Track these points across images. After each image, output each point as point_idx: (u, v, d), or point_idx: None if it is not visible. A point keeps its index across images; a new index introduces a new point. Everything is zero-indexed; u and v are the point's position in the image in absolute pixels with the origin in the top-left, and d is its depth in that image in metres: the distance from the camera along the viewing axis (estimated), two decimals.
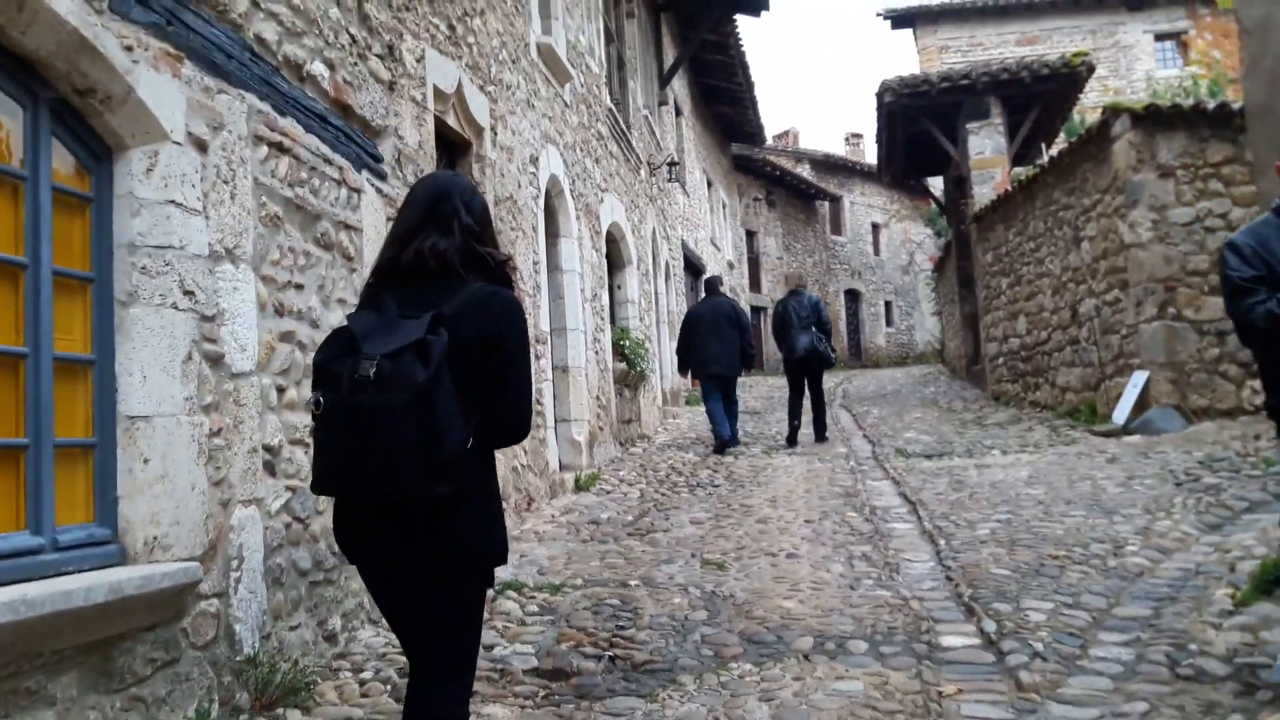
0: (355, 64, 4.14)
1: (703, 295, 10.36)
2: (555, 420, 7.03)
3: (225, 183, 3.08)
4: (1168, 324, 7.69)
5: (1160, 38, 20.15)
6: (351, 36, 4.11)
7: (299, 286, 3.56)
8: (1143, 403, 7.77)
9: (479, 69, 5.64)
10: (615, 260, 9.89)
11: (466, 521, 1.90)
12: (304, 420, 3.48)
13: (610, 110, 9.29)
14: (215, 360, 2.96)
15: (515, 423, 2.01)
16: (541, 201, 6.72)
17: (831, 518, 5.54)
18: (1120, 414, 7.93)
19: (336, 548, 2.36)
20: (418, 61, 4.79)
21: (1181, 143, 7.82)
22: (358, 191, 4.06)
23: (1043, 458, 7.07)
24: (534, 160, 6.60)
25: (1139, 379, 7.83)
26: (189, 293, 2.84)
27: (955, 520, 5.20)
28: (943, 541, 4.76)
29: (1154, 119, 7.82)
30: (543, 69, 7.01)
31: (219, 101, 3.07)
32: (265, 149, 3.38)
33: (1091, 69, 11.93)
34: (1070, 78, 11.93)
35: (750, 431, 10.46)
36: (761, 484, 6.95)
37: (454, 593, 1.96)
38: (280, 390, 3.39)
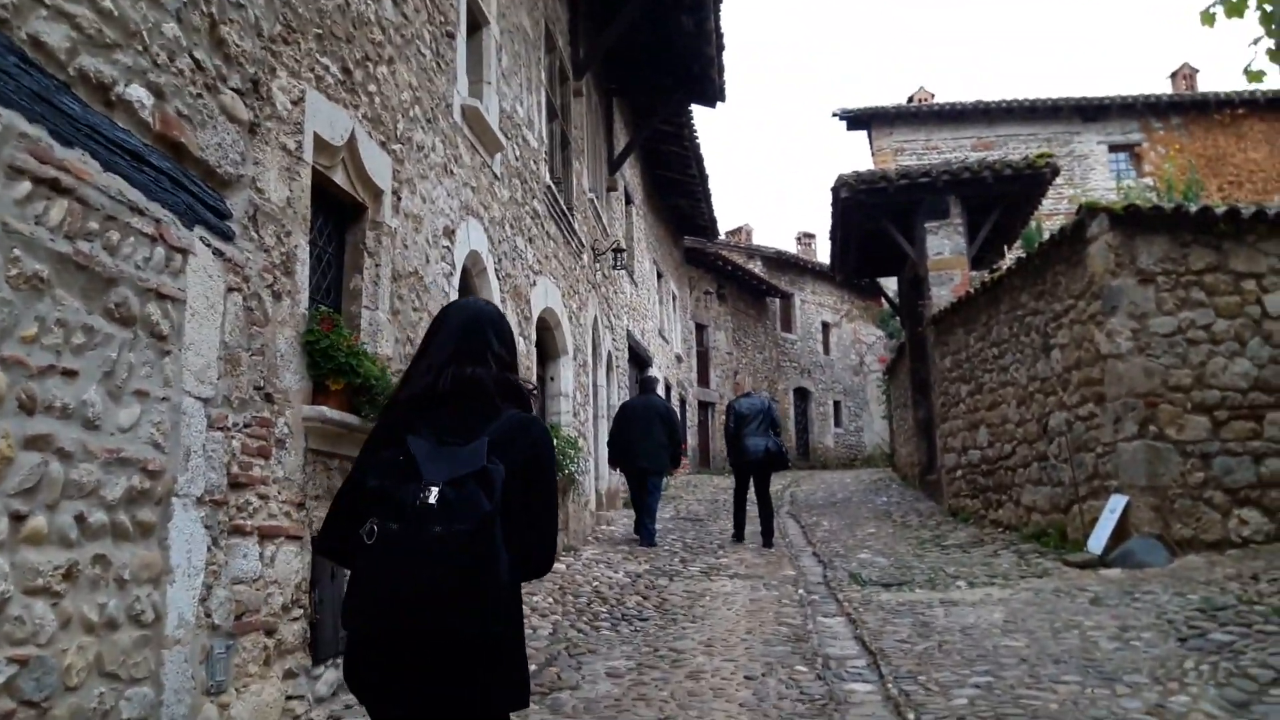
0: (199, 96, 3.28)
1: (638, 392, 10.66)
2: None
3: None
4: (1149, 444, 6.97)
5: (1115, 149, 20.30)
6: (196, 62, 3.27)
7: (69, 373, 2.62)
8: (1121, 530, 7.00)
9: (381, 123, 4.83)
10: (549, 349, 9.04)
11: (511, 658, 1.90)
12: (49, 560, 2.50)
13: (549, 188, 8.55)
14: None
15: (548, 554, 2.01)
16: (456, 279, 5.86)
17: (777, 672, 4.58)
18: (1097, 543, 7.13)
19: None
20: (294, 104, 3.96)
21: (1163, 247, 7.25)
22: (183, 252, 3.15)
23: (1015, 594, 6.21)
24: (449, 233, 5.77)
25: (1117, 504, 7.08)
26: None
27: (925, 682, 4.29)
28: (912, 716, 3.84)
29: (1133, 221, 7.25)
30: (467, 134, 6.24)
31: None
32: (28, 185, 2.49)
33: (1056, 171, 11.55)
34: (1034, 179, 11.52)
35: (689, 543, 9.51)
36: (697, 618, 5.99)
37: None
38: (18, 518, 2.42)
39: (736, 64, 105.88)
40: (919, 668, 4.54)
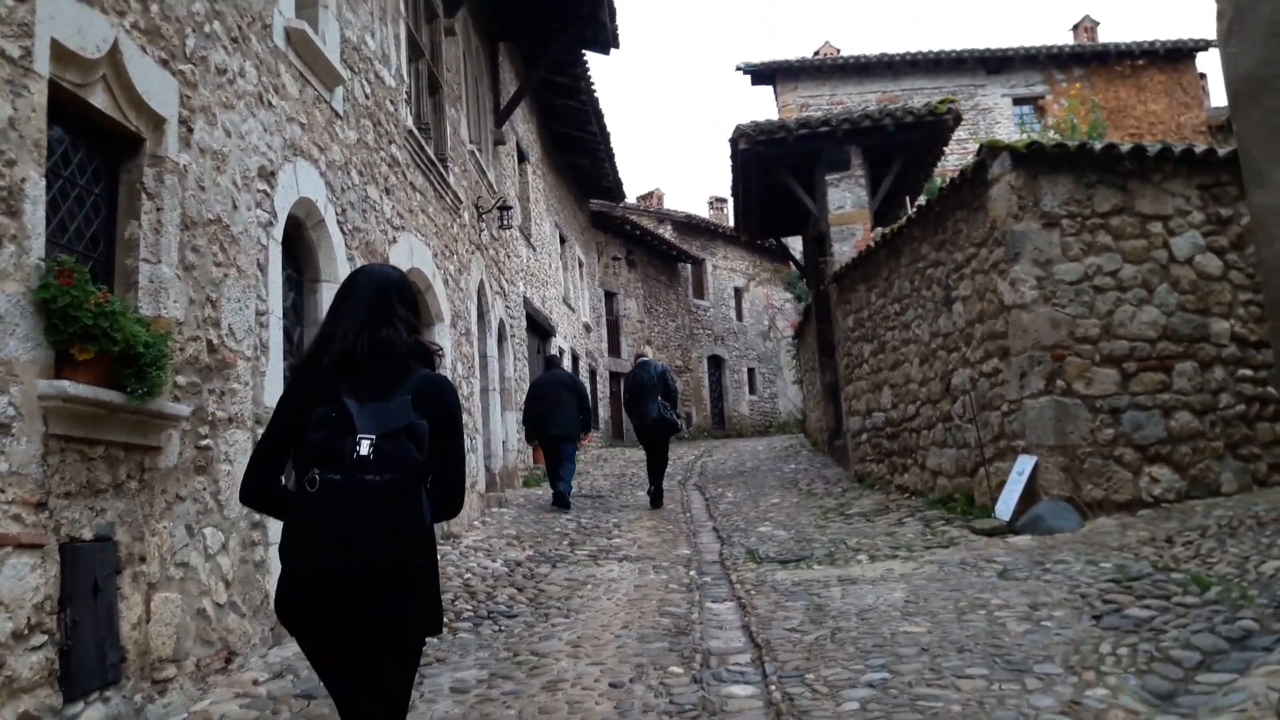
0: None
1: (543, 369, 11.39)
2: None
3: None
4: (1057, 400, 6.55)
5: (1019, 101, 20.18)
6: None
7: None
8: (1030, 493, 6.58)
9: (160, 36, 3.97)
10: (419, 316, 8.22)
11: (428, 591, 2.15)
12: None
13: (411, 133, 7.69)
14: None
15: (459, 498, 2.28)
16: (279, 231, 5.03)
17: (648, 676, 3.95)
18: (1004, 508, 6.71)
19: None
20: (17, 0, 3.09)
21: (1067, 188, 6.79)
22: None
23: (919, 568, 5.71)
24: (267, 175, 4.93)
25: (1025, 465, 6.65)
26: None
27: (813, 682, 3.70)
28: None
29: (1036, 160, 6.77)
30: (293, 60, 5.38)
31: None
32: None
33: (958, 118, 11.11)
34: (936, 126, 11.07)
35: (584, 524, 8.86)
36: (572, 611, 5.33)
37: (406, 658, 2.19)
38: None
39: (635, 17, 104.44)
40: (808, 663, 3.96)
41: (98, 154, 3.79)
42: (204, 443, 4.18)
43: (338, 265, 5.87)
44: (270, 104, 5.02)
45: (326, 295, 5.80)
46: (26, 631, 3.05)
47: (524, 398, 11.01)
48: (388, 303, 2.27)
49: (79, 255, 3.60)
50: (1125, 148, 6.87)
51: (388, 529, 1.99)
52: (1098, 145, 6.88)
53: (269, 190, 4.94)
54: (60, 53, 3.33)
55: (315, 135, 5.67)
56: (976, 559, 5.75)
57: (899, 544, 6.62)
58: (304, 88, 5.56)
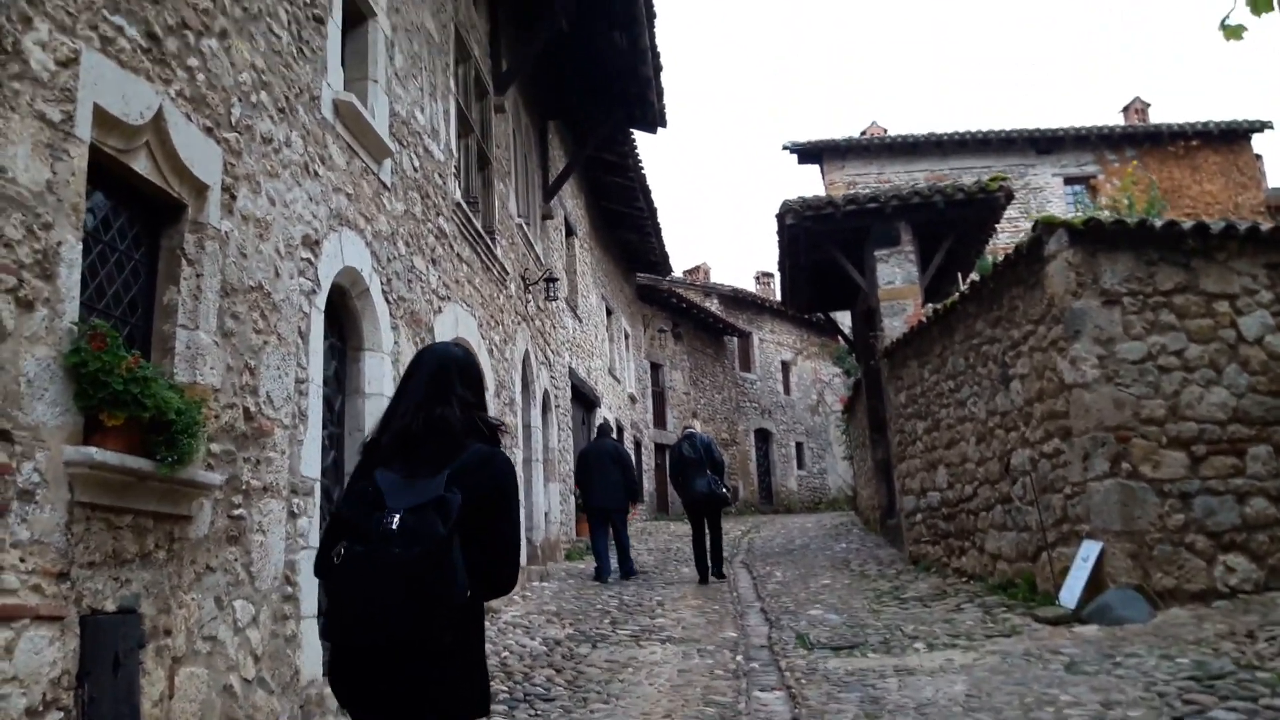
0: None
1: (594, 436, 11.73)
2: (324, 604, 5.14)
3: None
4: (1122, 483, 6.24)
5: (1070, 181, 19.98)
6: None
7: None
8: (1095, 581, 6.23)
9: (206, 105, 3.99)
10: None
11: (463, 669, 2.10)
12: None
13: (460, 206, 7.73)
14: None
15: (508, 575, 2.20)
16: (322, 299, 5.00)
17: None
18: (1069, 595, 6.35)
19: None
20: (61, 65, 3.11)
21: (1128, 265, 6.58)
22: None
23: (980, 659, 5.39)
24: (311, 243, 4.92)
25: (1090, 551, 6.31)
26: None
27: None
28: None
29: (1095, 237, 6.58)
30: (341, 132, 5.42)
31: None
32: None
33: (1010, 195, 10.96)
34: (987, 203, 10.92)
35: (627, 601, 8.61)
36: (613, 697, 5.09)
37: None
38: None
39: (684, 99, 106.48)
40: None
41: (139, 220, 3.78)
42: (237, 512, 4.08)
43: (381, 334, 5.83)
44: (316, 174, 5.04)
45: (369, 364, 5.75)
46: (41, 708, 2.91)
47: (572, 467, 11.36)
48: (448, 380, 2.30)
49: (116, 320, 3.56)
50: (1187, 225, 6.66)
51: (409, 603, 1.96)
52: (1158, 222, 6.68)
53: (313, 259, 4.92)
54: (103, 118, 3.33)
55: (362, 206, 5.68)
56: (1041, 650, 5.41)
57: (958, 632, 6.28)
58: (351, 159, 5.60)
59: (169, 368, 3.71)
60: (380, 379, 5.77)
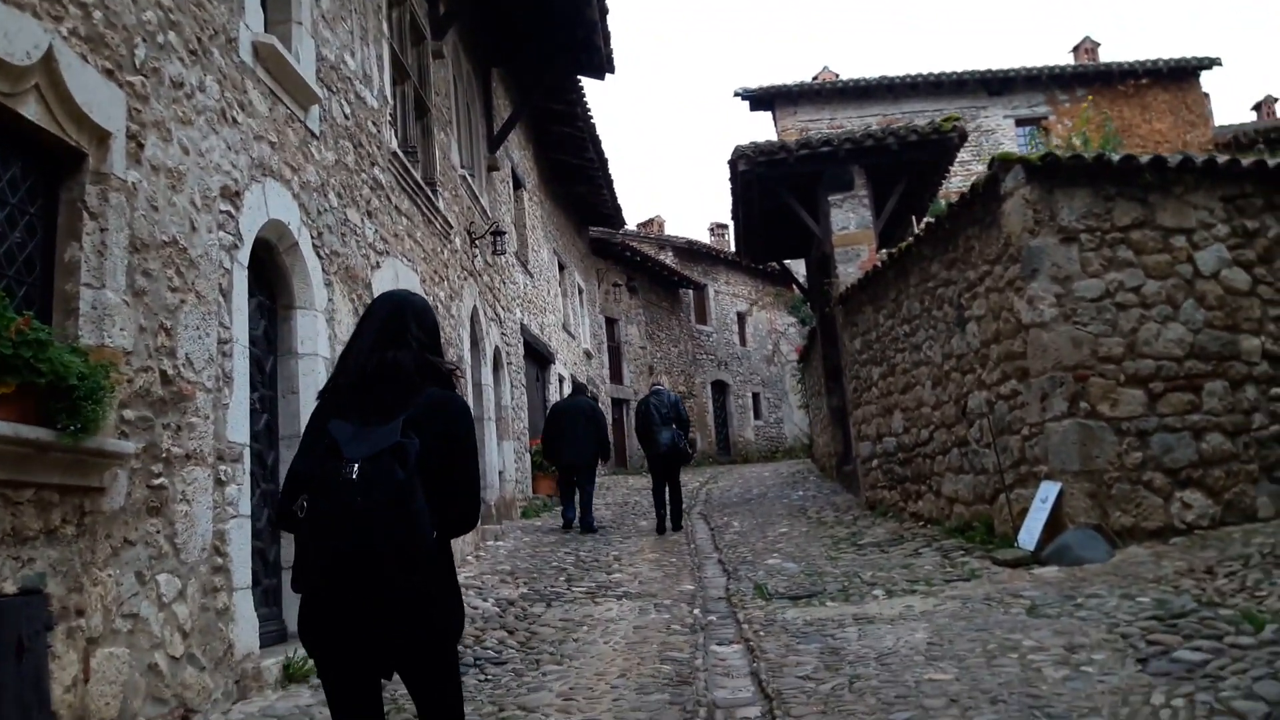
0: None
1: (569, 393, 12.14)
2: (263, 573, 4.91)
3: None
4: (1081, 423, 6.17)
5: (1021, 122, 19.95)
6: None
7: None
8: (1055, 521, 6.19)
9: (105, 45, 3.65)
10: None
11: (435, 606, 2.14)
12: None
13: (397, 155, 7.38)
14: None
15: (470, 514, 2.25)
16: (245, 254, 4.70)
17: None
18: (1028, 537, 6.31)
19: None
20: None
21: (1085, 201, 6.46)
22: None
23: (940, 604, 5.31)
24: (231, 195, 4.60)
25: (1049, 491, 6.26)
26: None
27: None
28: None
29: (1052, 173, 6.45)
30: (262, 77, 5.07)
31: None
32: None
33: (964, 135, 10.81)
34: (941, 144, 10.76)
35: (583, 556, 8.47)
36: (566, 657, 4.94)
37: (437, 669, 2.20)
38: None
39: (632, 45, 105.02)
40: (825, 717, 3.57)
41: (35, 171, 3.47)
42: (157, 482, 3.82)
43: (313, 291, 5.54)
44: (235, 121, 4.71)
45: (301, 322, 5.47)
46: None
47: (543, 423, 11.44)
48: (401, 324, 2.30)
49: (10, 281, 3.27)
50: (1145, 159, 6.55)
51: (378, 552, 1.97)
52: (1115, 157, 6.56)
53: (234, 211, 4.61)
54: None
55: (287, 155, 5.35)
56: (1002, 594, 5.35)
57: (917, 577, 6.22)
58: (274, 105, 5.25)
59: (73, 330, 3.42)
60: (314, 338, 5.48)
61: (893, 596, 5.75)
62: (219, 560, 4.23)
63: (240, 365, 4.54)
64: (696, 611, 5.89)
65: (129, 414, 3.64)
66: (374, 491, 1.98)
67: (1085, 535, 6.02)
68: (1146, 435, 6.22)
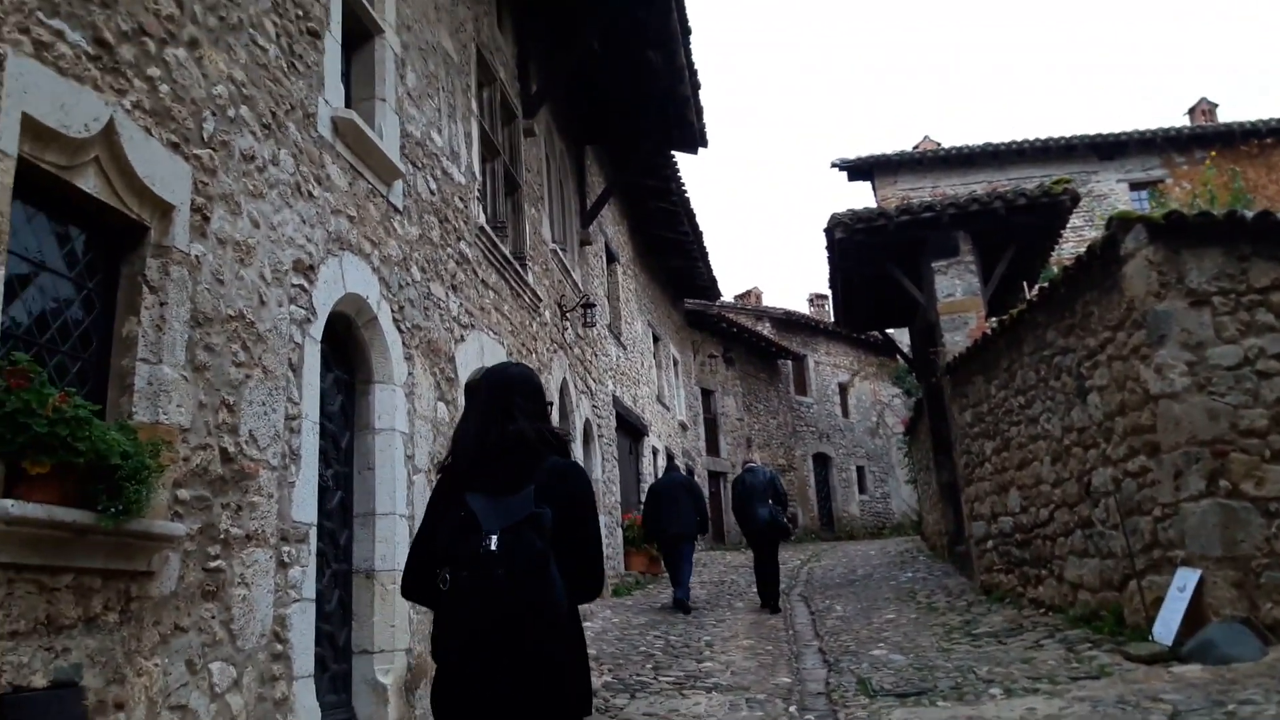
0: None
1: (663, 469, 12.60)
2: (331, 658, 4.70)
3: None
4: (1222, 503, 5.54)
5: (1135, 186, 19.02)
6: None
7: None
8: (1195, 613, 5.52)
9: (170, 119, 3.63)
10: None
11: (571, 677, 2.14)
12: None
13: (484, 230, 7.34)
14: None
15: (596, 580, 2.27)
16: (318, 329, 4.60)
17: None
18: (1164, 630, 5.65)
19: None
20: None
21: (1216, 262, 5.91)
22: None
23: (1068, 707, 4.73)
24: (304, 269, 4.53)
25: (1187, 579, 5.61)
26: None
27: None
28: None
29: (1177, 232, 5.93)
30: (341, 151, 5.06)
31: None
32: None
33: (1076, 198, 10.24)
34: (1052, 208, 10.22)
35: (673, 641, 8.05)
36: None
37: None
38: None
39: (726, 118, 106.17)
40: None
41: (95, 245, 3.42)
42: (214, 564, 3.66)
43: (393, 365, 5.43)
44: (311, 195, 4.67)
45: (380, 397, 5.35)
46: None
47: (643, 504, 11.66)
48: (507, 397, 2.35)
49: (63, 356, 3.19)
50: None
51: (522, 621, 2.02)
52: (1249, 214, 6.00)
53: (306, 285, 4.53)
54: (36, 130, 2.97)
55: (367, 229, 5.30)
56: (1138, 696, 4.73)
57: (1039, 674, 5.61)
58: (355, 180, 5.22)
59: (126, 406, 3.32)
60: (392, 413, 5.35)
61: (1012, 696, 5.17)
62: (279, 647, 4.04)
63: (309, 441, 4.40)
64: (793, 709, 5.43)
65: (184, 493, 3.50)
66: (515, 562, 2.03)
67: (1232, 630, 5.34)
68: None
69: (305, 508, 4.32)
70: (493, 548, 2.04)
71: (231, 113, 4.05)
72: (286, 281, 4.36)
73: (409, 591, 2.32)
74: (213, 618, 3.64)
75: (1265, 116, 19.19)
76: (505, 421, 2.29)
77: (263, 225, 4.20)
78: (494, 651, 2.03)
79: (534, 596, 2.03)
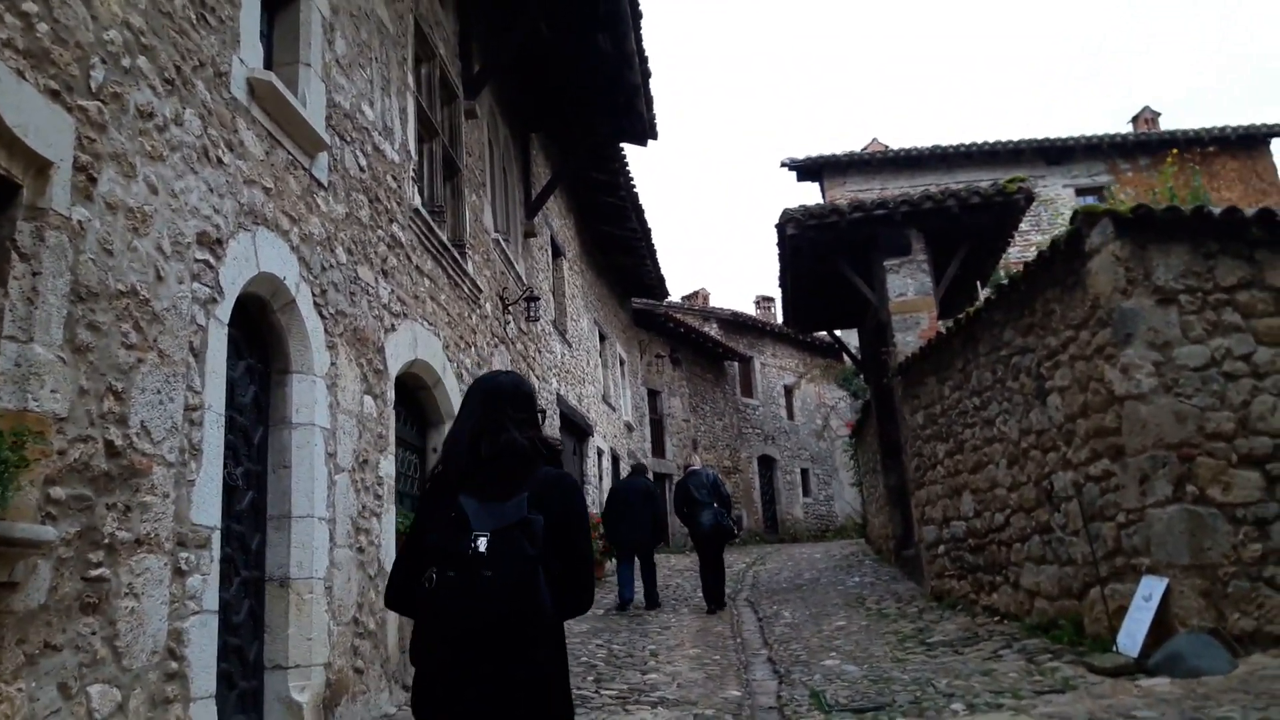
0: None
1: (626, 473, 12.37)
2: (240, 674, 4.23)
3: None
4: (1189, 509, 5.34)
5: (1081, 191, 19.16)
6: None
7: None
8: (1161, 623, 5.31)
9: (49, 63, 3.15)
10: (428, 413, 7.27)
11: (553, 686, 2.11)
12: None
13: (419, 213, 6.88)
14: None
15: (585, 596, 2.23)
16: (225, 310, 4.14)
17: None
18: (1130, 641, 5.43)
19: None
20: None
21: (1183, 259, 5.71)
22: None
23: None
24: (211, 242, 4.06)
25: (1153, 588, 5.39)
26: None
27: None
28: None
29: (1145, 227, 5.72)
30: (257, 116, 4.58)
31: None
32: None
33: (1031, 197, 10.10)
34: (1006, 207, 10.06)
35: (616, 651, 7.68)
36: None
37: None
38: None
39: (676, 117, 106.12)
40: None
41: None
42: (95, 573, 3.19)
43: (313, 354, 4.96)
44: (220, 161, 4.20)
45: (298, 388, 4.88)
46: None
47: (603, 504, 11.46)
48: (498, 407, 2.33)
49: None
50: (1250, 212, 5.80)
51: (506, 626, 1.99)
52: (1216, 210, 5.82)
53: (213, 261, 4.06)
54: None
55: (286, 204, 4.83)
56: (1109, 713, 4.48)
57: (1002, 687, 5.34)
58: (273, 149, 4.75)
59: None
60: (311, 406, 4.88)
61: (975, 712, 4.89)
62: (173, 665, 3.57)
63: (212, 435, 3.93)
64: None
65: (59, 492, 3.03)
66: (503, 564, 2.01)
67: (1200, 641, 5.13)
68: (1266, 524, 5.36)
69: (207, 509, 3.85)
70: (481, 549, 2.02)
71: (126, 62, 3.57)
72: (189, 256, 3.89)
73: (393, 602, 2.27)
74: (93, 633, 3.16)
75: (1208, 125, 19.46)
76: (498, 431, 2.27)
77: (162, 191, 3.72)
78: (477, 656, 2.00)
79: (521, 603, 2.00)
